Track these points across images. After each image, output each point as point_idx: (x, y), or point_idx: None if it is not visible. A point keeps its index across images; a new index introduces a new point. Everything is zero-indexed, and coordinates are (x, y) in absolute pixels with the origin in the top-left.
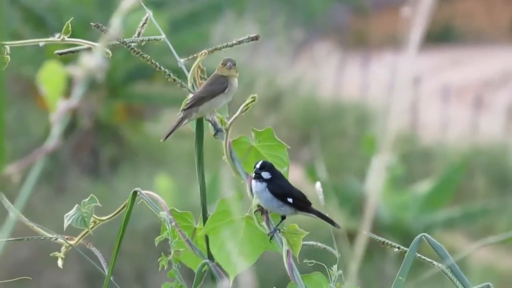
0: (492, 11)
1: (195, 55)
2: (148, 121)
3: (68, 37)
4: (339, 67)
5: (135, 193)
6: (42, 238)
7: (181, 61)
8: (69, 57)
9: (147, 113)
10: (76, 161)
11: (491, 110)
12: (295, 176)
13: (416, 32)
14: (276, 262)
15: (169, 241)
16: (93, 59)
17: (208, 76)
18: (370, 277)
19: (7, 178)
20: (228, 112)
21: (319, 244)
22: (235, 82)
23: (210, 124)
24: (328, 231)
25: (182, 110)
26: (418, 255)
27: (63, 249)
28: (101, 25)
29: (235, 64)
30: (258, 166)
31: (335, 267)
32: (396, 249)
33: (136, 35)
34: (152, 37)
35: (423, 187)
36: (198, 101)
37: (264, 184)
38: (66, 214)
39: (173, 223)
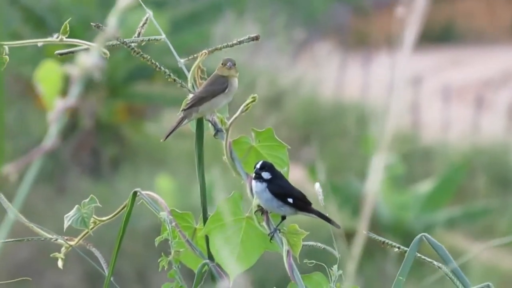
0: (492, 11)
1: (195, 55)
2: (148, 121)
3: (67, 37)
4: (339, 67)
5: (135, 193)
6: (42, 239)
7: (181, 61)
8: (68, 57)
9: (148, 113)
10: (77, 161)
11: (492, 109)
12: (296, 176)
13: (411, 32)
14: (277, 262)
15: (169, 242)
16: (90, 58)
17: (208, 76)
18: (371, 276)
19: (5, 178)
20: (228, 112)
21: (319, 244)
22: (235, 82)
23: (210, 124)
24: (328, 231)
25: (182, 110)
26: (418, 255)
27: (63, 249)
28: (101, 25)
29: (235, 64)
30: (258, 166)
31: (335, 267)
32: (396, 249)
33: (136, 35)
34: (152, 37)
35: (424, 186)
36: (198, 101)
37: (264, 184)
38: (66, 215)
39: (173, 224)
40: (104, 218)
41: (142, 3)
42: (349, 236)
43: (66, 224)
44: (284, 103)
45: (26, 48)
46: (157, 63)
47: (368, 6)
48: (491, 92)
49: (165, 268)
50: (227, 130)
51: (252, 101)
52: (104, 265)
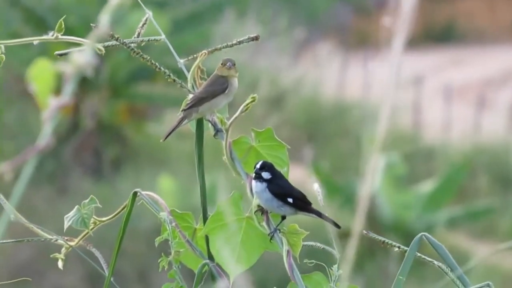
0: (493, 11)
1: (195, 55)
2: (150, 122)
3: (62, 35)
4: (341, 66)
5: (135, 193)
6: (42, 239)
7: (181, 62)
8: (68, 56)
9: (150, 113)
10: (79, 162)
11: (493, 109)
12: (297, 175)
13: (401, 35)
14: (277, 262)
15: (170, 242)
16: (83, 56)
17: (208, 76)
18: (373, 276)
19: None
20: (228, 112)
21: (319, 244)
22: (235, 82)
23: (210, 124)
24: (328, 231)
25: (182, 111)
26: (419, 254)
27: (63, 250)
28: (98, 24)
29: (234, 64)
30: (258, 166)
31: (335, 267)
32: (397, 249)
33: (136, 35)
34: (152, 38)
35: (426, 186)
36: (198, 101)
37: (264, 184)
38: (66, 215)
39: (173, 224)
40: (104, 219)
41: (142, 4)
42: (350, 236)
43: (66, 225)
44: (285, 103)
45: (28, 48)
46: (157, 64)
47: (370, 5)
48: (492, 92)
49: (165, 268)
50: (227, 130)
51: (252, 101)
52: (104, 266)
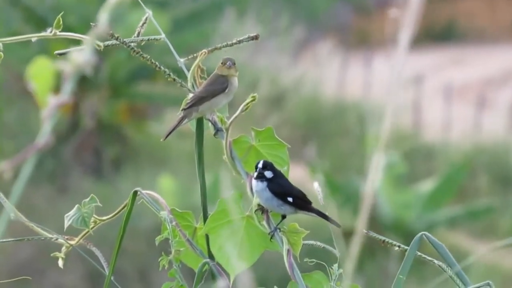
0: (494, 10)
1: (195, 54)
2: (150, 121)
3: (60, 31)
4: (341, 66)
5: (135, 192)
6: (42, 238)
7: (181, 61)
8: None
9: (150, 112)
10: (79, 161)
11: (493, 108)
12: (297, 175)
13: (406, 33)
14: (277, 261)
15: (170, 241)
16: (82, 54)
17: (208, 76)
18: (373, 275)
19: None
20: (228, 111)
21: (320, 243)
22: (235, 81)
23: (210, 124)
24: (329, 230)
25: (182, 110)
26: (419, 253)
27: (63, 249)
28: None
29: (234, 63)
30: (260, 165)
31: (335, 266)
32: (397, 248)
33: (136, 34)
34: (152, 37)
35: (426, 185)
36: (199, 100)
37: (265, 183)
38: (66, 214)
39: (174, 223)
40: (104, 218)
41: (142, 3)
42: (350, 235)
43: (66, 224)
44: (286, 102)
45: (27, 47)
46: (156, 63)
47: (370, 5)
48: (492, 91)
49: (166, 267)
50: (227, 130)
51: (252, 101)
52: (104, 265)
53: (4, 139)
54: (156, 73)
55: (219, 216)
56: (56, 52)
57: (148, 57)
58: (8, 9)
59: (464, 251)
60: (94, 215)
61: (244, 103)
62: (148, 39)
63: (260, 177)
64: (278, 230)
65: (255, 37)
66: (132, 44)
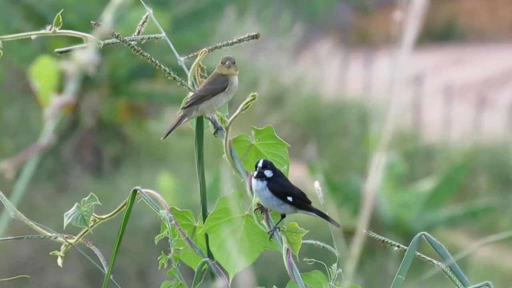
0: (494, 10)
1: (195, 53)
2: (150, 119)
3: (60, 29)
4: (341, 65)
5: (135, 191)
6: (42, 236)
7: (181, 60)
8: (69, 54)
9: (150, 111)
10: (79, 160)
11: (493, 108)
12: (297, 174)
13: (410, 33)
14: (276, 260)
15: (169, 240)
16: (85, 54)
17: (208, 75)
18: (372, 274)
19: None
20: (228, 110)
21: (319, 242)
22: (235, 80)
23: (210, 123)
24: (328, 230)
25: (182, 109)
26: (418, 253)
27: (62, 247)
28: (101, 23)
29: (234, 62)
30: (260, 164)
31: (334, 265)
32: (396, 248)
33: (136, 33)
34: (152, 36)
35: (426, 185)
36: (199, 99)
37: (264, 183)
38: (66, 213)
39: (173, 222)
40: (104, 216)
41: (142, 2)
42: (350, 234)
43: (65, 222)
44: (286, 101)
45: (28, 45)
46: (157, 61)
47: (370, 4)
48: (492, 91)
49: (165, 266)
50: (227, 129)
51: (252, 99)
52: (103, 263)
53: (5, 137)
54: (156, 71)
55: (218, 215)
56: (56, 50)
57: (149, 55)
58: (8, 7)
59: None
60: (93, 214)
61: (244, 102)
62: (149, 38)
63: (260, 176)
64: (277, 230)
65: (256, 36)
66: (132, 42)
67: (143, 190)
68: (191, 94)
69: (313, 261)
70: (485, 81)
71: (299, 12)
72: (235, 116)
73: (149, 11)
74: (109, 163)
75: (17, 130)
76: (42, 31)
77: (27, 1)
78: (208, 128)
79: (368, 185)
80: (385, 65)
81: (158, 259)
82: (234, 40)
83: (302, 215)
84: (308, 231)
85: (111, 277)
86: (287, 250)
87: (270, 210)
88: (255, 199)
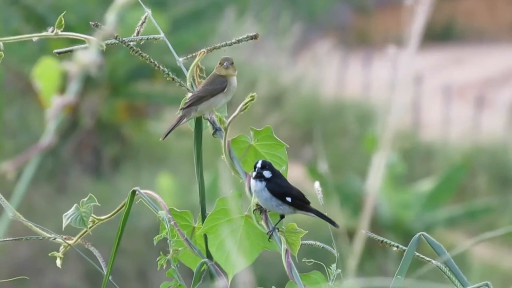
0: (494, 10)
1: (194, 54)
2: (149, 120)
3: (62, 31)
4: (340, 65)
5: (133, 192)
6: (41, 237)
7: (180, 60)
8: (69, 55)
9: (149, 111)
10: (78, 160)
11: (493, 108)
12: (296, 174)
13: (416, 31)
14: (275, 261)
15: (168, 240)
16: (88, 55)
17: (207, 75)
18: (371, 274)
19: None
20: (227, 111)
21: (318, 243)
22: (234, 81)
23: (209, 123)
24: (328, 230)
25: (181, 109)
26: (417, 254)
27: (61, 248)
28: (100, 23)
29: (232, 63)
30: (259, 165)
31: (333, 266)
32: (395, 248)
33: (135, 34)
34: (151, 36)
35: (425, 185)
36: (198, 100)
37: (263, 183)
38: (64, 214)
39: (172, 222)
40: (103, 217)
41: (142, 2)
42: (350, 235)
43: (64, 223)
44: (285, 101)
45: (27, 46)
46: (155, 62)
47: (370, 5)
48: (492, 91)
49: (164, 267)
50: (225, 129)
51: (250, 100)
52: (103, 264)
53: (4, 137)
54: (155, 72)
55: (217, 215)
56: (55, 51)
57: (147, 56)
58: (7, 8)
59: (463, 251)
60: (92, 215)
61: (243, 103)
62: (147, 38)
63: (259, 177)
64: (276, 230)
65: (254, 37)
66: (131, 43)
67: (142, 191)
68: (190, 94)
69: (312, 261)
70: (485, 81)
71: (298, 12)
72: (234, 117)
73: (148, 11)
74: (108, 163)
75: (17, 130)
76: (44, 33)
77: (26, 1)
78: (207, 129)
79: (369, 186)
80: (385, 65)
81: (157, 259)
82: (233, 40)
83: (301, 215)
84: (307, 231)
85: (110, 277)
86: (286, 250)
87: (269, 211)
88: (254, 200)
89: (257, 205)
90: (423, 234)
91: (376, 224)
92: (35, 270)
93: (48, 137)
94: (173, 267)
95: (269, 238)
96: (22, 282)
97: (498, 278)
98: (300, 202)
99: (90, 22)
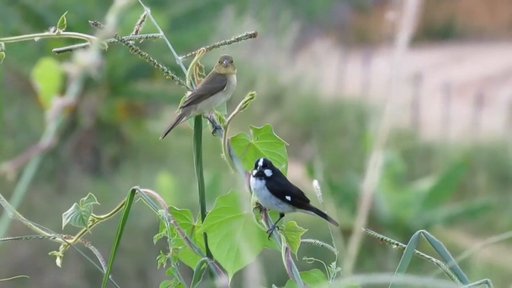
0: (493, 8)
1: (193, 52)
2: (149, 119)
3: (63, 31)
4: (340, 64)
5: (133, 191)
6: (40, 237)
7: (179, 59)
8: (69, 54)
9: (149, 111)
10: (78, 160)
11: (492, 107)
12: (296, 173)
13: (405, 31)
14: (275, 259)
15: (168, 239)
16: (88, 55)
17: (207, 74)
18: (371, 273)
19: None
20: (227, 109)
21: (318, 241)
22: (233, 79)
23: (208, 122)
24: (327, 229)
25: (180, 108)
26: (417, 251)
27: (61, 248)
28: (99, 23)
29: (232, 62)
30: (260, 163)
31: (333, 264)
32: (395, 246)
33: (134, 32)
34: (150, 35)
35: (424, 184)
36: (197, 98)
37: (263, 182)
38: (64, 213)
39: (172, 221)
40: (102, 216)
41: (141, 1)
42: (349, 233)
43: (64, 222)
44: (284, 100)
45: (27, 45)
46: (155, 61)
47: (368, 3)
48: (491, 89)
49: (164, 266)
50: (225, 128)
51: (250, 98)
52: (102, 263)
53: (4, 137)
54: (154, 71)
55: (217, 214)
56: (54, 49)
57: (147, 55)
58: (6, 8)
59: (462, 249)
60: (92, 214)
61: (243, 101)
62: (147, 37)
63: (259, 175)
64: (276, 228)
65: (254, 35)
66: (130, 42)
67: (141, 190)
68: (189, 93)
69: (312, 259)
70: (484, 79)
71: (297, 11)
72: (234, 115)
73: (147, 10)
74: (108, 163)
75: (17, 130)
76: (46, 33)
77: (25, 1)
78: (207, 127)
79: (366, 184)
80: (384, 64)
81: (157, 258)
82: (232, 39)
83: (300, 214)
84: (307, 230)
85: (110, 276)
86: (286, 249)
87: (269, 209)
88: (254, 198)
89: (257, 203)
90: (423, 232)
91: (376, 223)
92: (35, 269)
93: (48, 138)
94: (173, 265)
95: (269, 236)
96: (22, 281)
97: (498, 276)
98: (299, 201)
99: (90, 21)
